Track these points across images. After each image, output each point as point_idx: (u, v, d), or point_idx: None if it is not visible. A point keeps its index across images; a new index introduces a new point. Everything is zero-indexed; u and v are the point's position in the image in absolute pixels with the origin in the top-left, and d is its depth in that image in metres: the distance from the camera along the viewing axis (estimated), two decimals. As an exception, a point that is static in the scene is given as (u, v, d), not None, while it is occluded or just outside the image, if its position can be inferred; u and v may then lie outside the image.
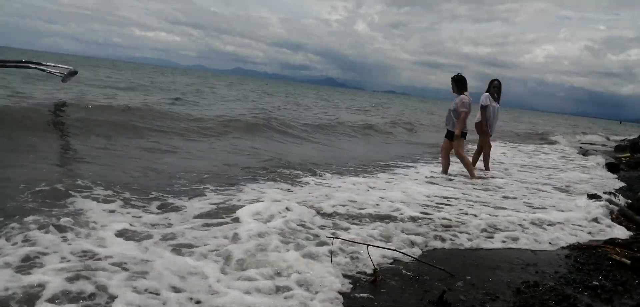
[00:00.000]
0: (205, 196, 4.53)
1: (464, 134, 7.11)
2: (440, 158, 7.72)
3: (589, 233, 4.44)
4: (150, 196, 4.28)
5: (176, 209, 4.00)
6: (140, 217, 3.65)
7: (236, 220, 3.70)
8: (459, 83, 6.97)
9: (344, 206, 4.51)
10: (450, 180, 6.82)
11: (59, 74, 10.72)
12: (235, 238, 3.25)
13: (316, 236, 3.52)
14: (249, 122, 11.48)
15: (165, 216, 3.77)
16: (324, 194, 4.94)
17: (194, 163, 6.43)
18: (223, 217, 3.81)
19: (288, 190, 5.13)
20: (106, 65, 52.56)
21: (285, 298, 2.48)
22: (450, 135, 7.14)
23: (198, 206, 4.12)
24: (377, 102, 43.40)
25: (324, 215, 4.17)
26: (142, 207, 3.94)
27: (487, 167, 8.27)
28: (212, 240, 3.24)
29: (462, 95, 6.91)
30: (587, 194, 5.82)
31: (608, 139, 24.38)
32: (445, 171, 7.32)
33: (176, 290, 2.44)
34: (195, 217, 3.81)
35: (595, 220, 4.79)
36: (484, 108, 7.93)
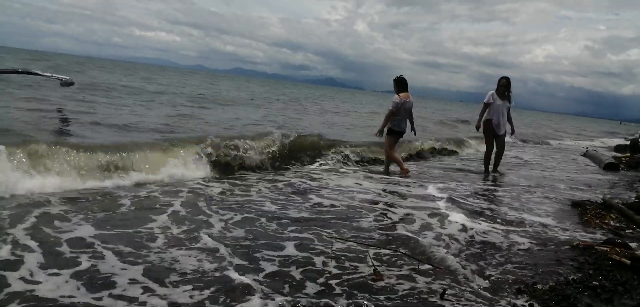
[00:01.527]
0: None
1: (396, 133, 7.13)
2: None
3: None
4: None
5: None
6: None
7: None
8: (397, 84, 7.08)
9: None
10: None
11: (57, 80, 11.12)
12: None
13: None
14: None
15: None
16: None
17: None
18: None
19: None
20: (119, 67, 49.97)
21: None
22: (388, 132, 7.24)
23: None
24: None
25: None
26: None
27: (495, 167, 8.09)
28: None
29: (395, 96, 7.03)
30: (572, 202, 5.67)
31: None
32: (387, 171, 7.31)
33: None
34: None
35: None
36: (485, 105, 7.75)
